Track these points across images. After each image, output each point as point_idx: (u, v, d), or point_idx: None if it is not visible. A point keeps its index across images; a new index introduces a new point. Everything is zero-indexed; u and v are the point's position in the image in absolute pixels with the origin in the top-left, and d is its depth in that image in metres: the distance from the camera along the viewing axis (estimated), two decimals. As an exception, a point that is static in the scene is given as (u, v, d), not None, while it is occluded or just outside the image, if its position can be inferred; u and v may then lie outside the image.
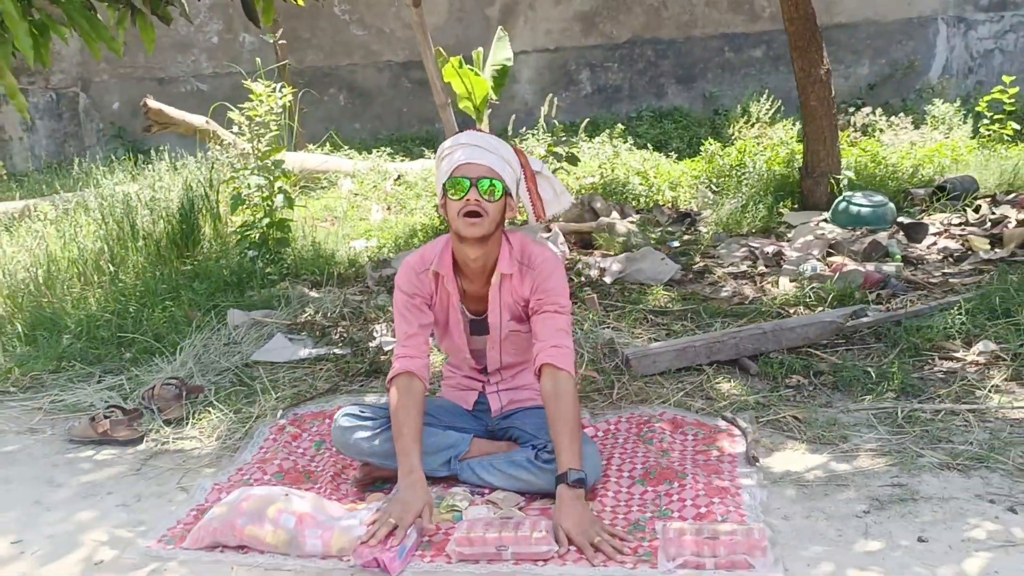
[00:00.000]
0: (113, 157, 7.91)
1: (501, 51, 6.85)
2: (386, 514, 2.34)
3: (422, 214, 6.57)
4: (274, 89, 6.93)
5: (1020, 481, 2.47)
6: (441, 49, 6.51)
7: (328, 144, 9.28)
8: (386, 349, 3.74)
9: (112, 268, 4.85)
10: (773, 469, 2.66)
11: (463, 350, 2.78)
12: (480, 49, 7.04)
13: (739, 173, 6.51)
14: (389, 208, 7.15)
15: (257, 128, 5.88)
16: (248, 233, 5.27)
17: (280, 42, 9.32)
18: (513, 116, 8.61)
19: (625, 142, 8.27)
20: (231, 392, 3.43)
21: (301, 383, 3.53)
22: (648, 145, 8.29)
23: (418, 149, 9.27)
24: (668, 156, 8.02)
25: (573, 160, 6.17)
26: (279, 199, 5.22)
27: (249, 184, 5.30)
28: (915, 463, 2.60)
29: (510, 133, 7.58)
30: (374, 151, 8.82)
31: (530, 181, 2.62)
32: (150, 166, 7.00)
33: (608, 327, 3.91)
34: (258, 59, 7.60)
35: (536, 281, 2.64)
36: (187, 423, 3.22)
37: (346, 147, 9.19)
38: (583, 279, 4.63)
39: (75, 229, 5.32)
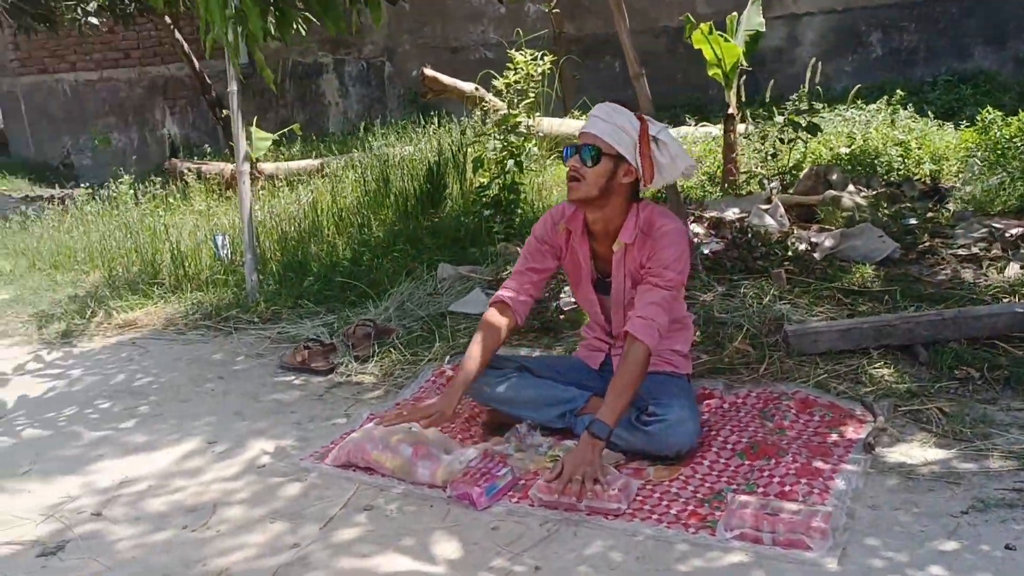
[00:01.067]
0: (409, 120, 8.77)
1: (754, 16, 6.69)
2: (413, 413, 2.79)
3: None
4: (535, 57, 7.31)
5: None
6: (689, 15, 6.51)
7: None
8: (564, 309, 3.96)
9: (361, 221, 5.46)
10: (887, 459, 2.57)
11: (594, 304, 2.95)
12: (735, 14, 6.92)
13: (1016, 147, 5.90)
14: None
15: (513, 95, 6.28)
16: (483, 193, 5.68)
17: (555, 11, 9.70)
18: (772, 81, 8.33)
19: (905, 109, 7.71)
20: (416, 337, 3.83)
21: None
22: (930, 113, 7.67)
23: (685, 115, 9.25)
24: (957, 126, 7.37)
25: (812, 129, 5.93)
26: (510, 163, 5.56)
27: (490, 147, 5.71)
28: (1049, 471, 2.40)
29: (767, 100, 7.34)
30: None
31: (644, 146, 2.71)
32: (428, 128, 7.71)
33: (787, 303, 3.83)
34: (518, 30, 7.96)
35: (651, 249, 2.74)
36: (371, 360, 3.66)
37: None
38: (788, 253, 4.52)
39: (339, 186, 6.05)
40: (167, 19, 9.18)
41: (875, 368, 3.17)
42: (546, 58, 7.64)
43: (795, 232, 4.90)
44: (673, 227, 2.77)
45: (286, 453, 2.94)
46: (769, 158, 6.26)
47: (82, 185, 8.50)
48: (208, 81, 9.48)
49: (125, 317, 4.54)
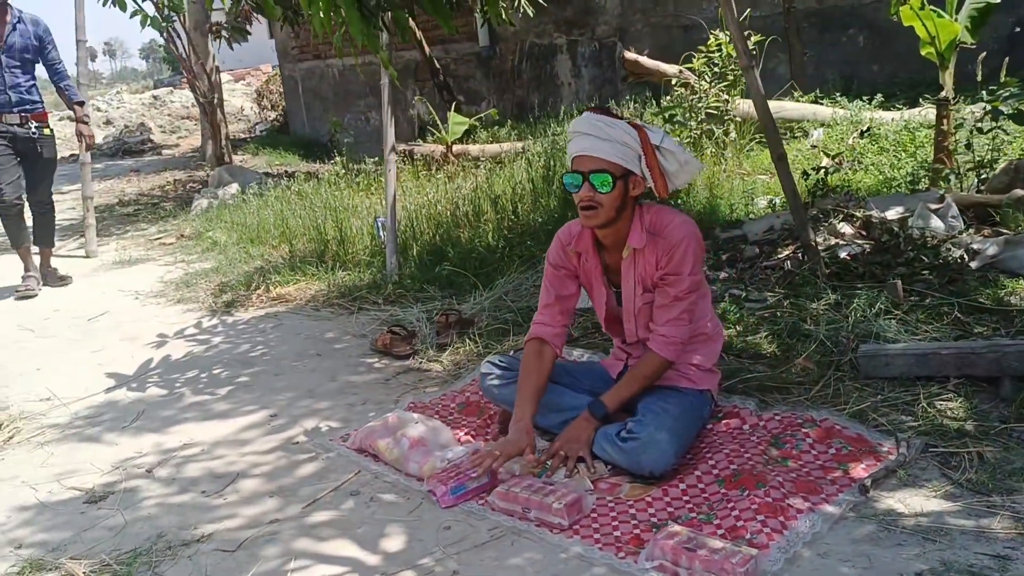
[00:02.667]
0: (638, 100, 8.75)
1: (984, -12, 5.96)
2: (492, 449, 2.64)
3: (874, 169, 6.16)
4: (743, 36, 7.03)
5: None
6: (896, -9, 5.94)
7: (835, 90, 8.96)
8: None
9: (512, 208, 5.59)
10: (879, 504, 2.32)
11: (609, 316, 2.90)
12: (957, -13, 6.20)
13: None
14: (840, 163, 6.79)
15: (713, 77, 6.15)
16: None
17: (780, -14, 9.18)
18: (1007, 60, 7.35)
19: None
20: (496, 329, 3.91)
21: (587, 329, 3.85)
22: None
23: (918, 95, 8.43)
24: None
25: (1019, 119, 5.20)
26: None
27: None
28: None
29: (979, 78, 6.51)
30: (859, 99, 8.29)
31: (650, 158, 2.61)
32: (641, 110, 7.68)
33: (895, 317, 3.48)
34: (720, 9, 7.62)
35: (662, 249, 2.65)
36: (447, 349, 3.80)
37: (855, 93, 8.77)
38: (937, 260, 4.07)
39: (512, 171, 6.20)
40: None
41: (942, 400, 2.83)
42: (752, 38, 7.33)
43: (958, 237, 4.38)
44: (681, 221, 2.69)
45: (321, 433, 3.17)
46: (966, 149, 5.59)
47: (331, 162, 9.32)
48: (437, 66, 9.98)
49: (280, 292, 5.01)
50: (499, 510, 2.49)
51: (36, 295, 5.76)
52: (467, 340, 3.83)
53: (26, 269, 5.94)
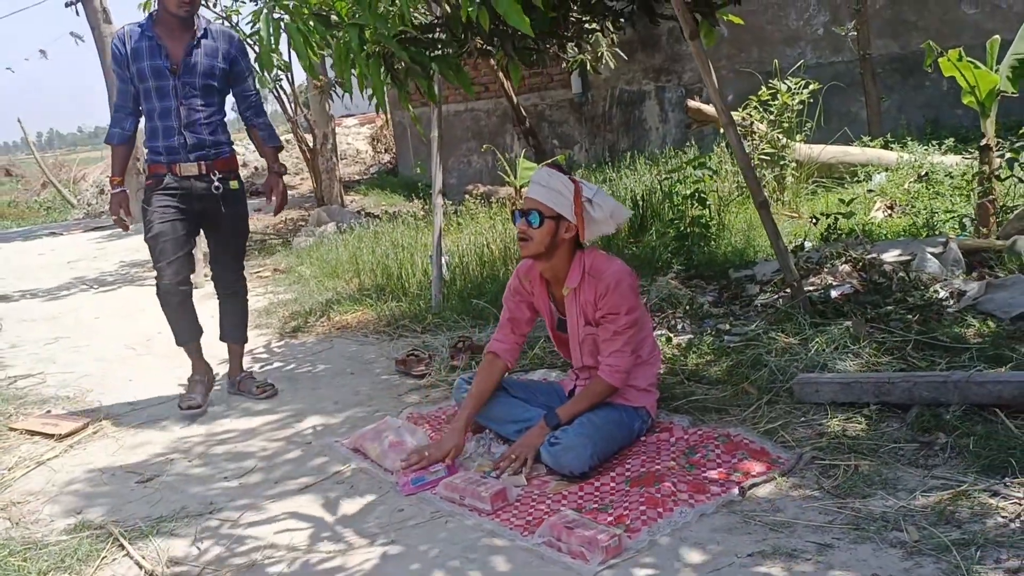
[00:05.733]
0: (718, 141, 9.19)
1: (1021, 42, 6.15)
2: (425, 449, 3.20)
3: (925, 212, 6.35)
4: (801, 85, 7.43)
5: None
6: (931, 43, 6.20)
7: (915, 134, 9.15)
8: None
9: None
10: (749, 504, 2.73)
11: (558, 341, 3.41)
12: (996, 38, 6.39)
13: None
14: (892, 207, 7.01)
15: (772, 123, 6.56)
16: (675, 222, 6.02)
17: (851, 33, 9.42)
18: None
19: None
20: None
21: (555, 355, 4.34)
22: None
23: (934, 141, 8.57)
24: None
25: (1034, 167, 5.38)
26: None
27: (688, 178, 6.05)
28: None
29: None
30: (931, 143, 8.45)
31: (578, 207, 3.12)
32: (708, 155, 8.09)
33: (852, 352, 3.81)
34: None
35: (598, 291, 3.14)
36: (457, 371, 4.35)
37: (936, 137, 8.94)
38: (922, 301, 4.35)
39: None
40: (491, 61, 10.50)
41: (851, 423, 3.19)
42: (810, 86, 7.68)
43: (947, 280, 4.64)
44: (616, 267, 3.17)
45: (330, 432, 3.78)
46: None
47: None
48: (523, 114, 10.63)
49: (339, 319, 5.69)
50: (443, 498, 3.02)
51: (203, 411, 4.30)
52: (474, 364, 4.37)
53: (193, 371, 4.41)
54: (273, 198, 4.43)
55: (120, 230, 4.59)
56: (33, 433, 4.17)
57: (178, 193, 4.11)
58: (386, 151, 17.03)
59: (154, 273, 4.20)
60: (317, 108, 11.47)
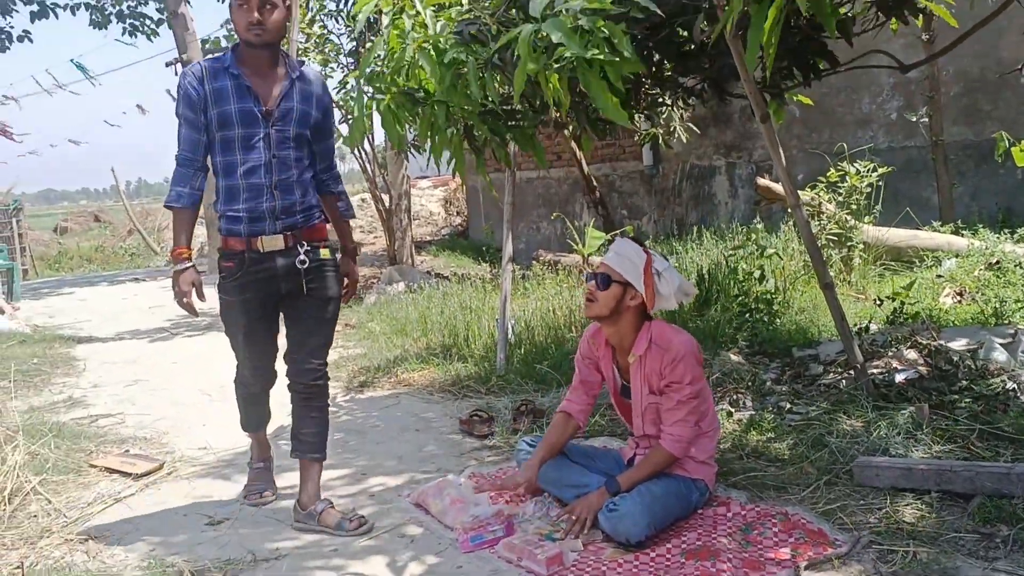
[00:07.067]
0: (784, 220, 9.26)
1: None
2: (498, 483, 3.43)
3: (995, 301, 6.30)
4: (870, 168, 7.50)
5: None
6: (1004, 133, 6.22)
7: (987, 221, 9.09)
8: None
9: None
10: (804, 584, 2.75)
11: (621, 407, 3.49)
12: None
13: None
14: (962, 294, 6.95)
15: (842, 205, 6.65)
16: (739, 298, 6.07)
17: (923, 120, 9.44)
18: None
19: None
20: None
21: (616, 424, 4.41)
22: None
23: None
24: None
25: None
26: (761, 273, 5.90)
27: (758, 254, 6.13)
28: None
29: None
30: (1003, 231, 8.37)
31: (647, 277, 3.23)
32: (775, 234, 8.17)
33: (914, 438, 3.81)
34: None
35: (664, 360, 3.23)
36: (519, 435, 4.44)
37: (1010, 225, 8.88)
38: (988, 390, 4.32)
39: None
40: (565, 132, 10.75)
41: (912, 508, 3.18)
42: (879, 170, 7.73)
43: (1015, 370, 4.59)
44: (682, 340, 3.25)
45: (400, 488, 3.90)
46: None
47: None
48: (593, 183, 10.82)
49: (405, 377, 5.84)
50: (501, 557, 3.09)
51: (269, 502, 3.88)
52: (535, 428, 4.46)
53: (255, 458, 4.00)
54: (345, 281, 3.67)
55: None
56: (111, 471, 4.37)
57: (262, 273, 3.37)
58: (458, 213, 17.39)
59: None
60: (394, 170, 11.84)
